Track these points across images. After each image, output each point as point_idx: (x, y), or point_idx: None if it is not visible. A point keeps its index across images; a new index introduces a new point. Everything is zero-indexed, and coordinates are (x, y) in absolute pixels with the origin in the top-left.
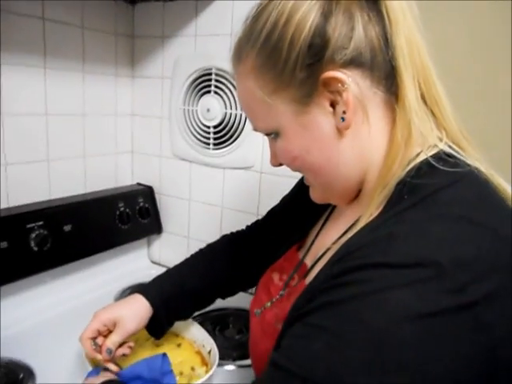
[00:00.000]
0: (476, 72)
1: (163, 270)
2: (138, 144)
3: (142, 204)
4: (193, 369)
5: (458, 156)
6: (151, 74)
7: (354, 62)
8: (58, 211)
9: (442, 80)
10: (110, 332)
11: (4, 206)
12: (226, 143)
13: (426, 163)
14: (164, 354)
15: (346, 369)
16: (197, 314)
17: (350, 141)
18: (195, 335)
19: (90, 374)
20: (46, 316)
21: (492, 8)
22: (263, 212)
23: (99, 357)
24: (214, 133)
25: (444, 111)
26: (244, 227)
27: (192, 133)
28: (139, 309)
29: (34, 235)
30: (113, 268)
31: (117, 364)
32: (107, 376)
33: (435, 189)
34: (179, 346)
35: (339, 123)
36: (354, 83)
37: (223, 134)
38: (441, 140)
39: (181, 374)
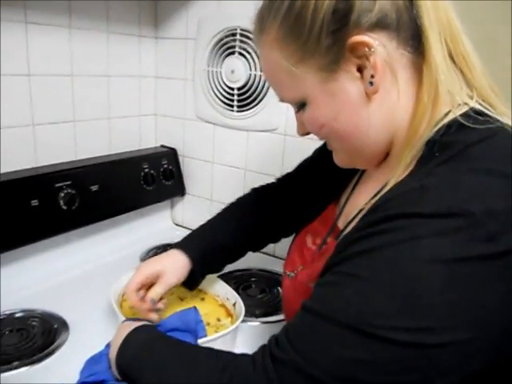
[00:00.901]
0: None
1: (186, 231)
2: (161, 106)
3: (165, 166)
4: (218, 319)
5: (489, 113)
6: (175, 35)
7: (379, 25)
8: (84, 171)
9: None
10: (152, 285)
11: (32, 165)
12: (250, 105)
13: (455, 122)
14: (195, 308)
15: (377, 313)
16: (220, 273)
17: (379, 105)
18: (218, 290)
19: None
20: (74, 273)
21: (491, 7)
22: None
23: (144, 306)
24: (238, 95)
25: (473, 68)
26: None
27: (216, 95)
28: (179, 263)
29: (62, 194)
30: (137, 229)
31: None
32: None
33: (466, 145)
34: (203, 299)
35: (368, 88)
36: (380, 46)
37: (247, 96)
38: (471, 98)
39: (208, 324)
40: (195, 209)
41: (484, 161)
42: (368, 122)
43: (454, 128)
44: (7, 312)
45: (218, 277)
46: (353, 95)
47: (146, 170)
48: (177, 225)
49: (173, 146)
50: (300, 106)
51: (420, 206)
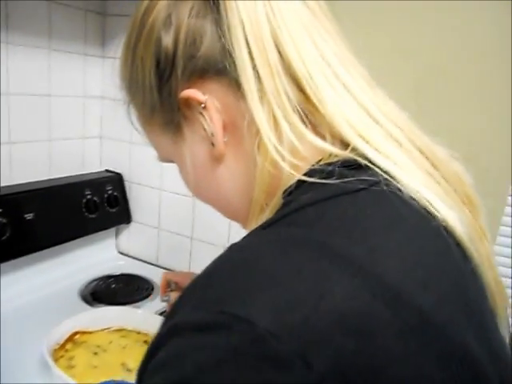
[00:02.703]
0: (471, 71)
1: (132, 261)
2: (107, 129)
3: (110, 192)
4: None
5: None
6: None
7: (209, 72)
8: (18, 198)
9: (440, 80)
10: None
11: None
12: None
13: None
14: None
15: None
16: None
17: (230, 167)
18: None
19: None
20: (6, 310)
21: (487, 7)
22: None
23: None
24: None
25: (325, 106)
26: (217, 217)
27: None
28: None
29: None
30: (78, 259)
31: None
32: None
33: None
34: (146, 342)
35: (212, 149)
36: (213, 98)
37: None
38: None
39: None
40: (142, 237)
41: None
42: (226, 189)
43: (294, 185)
44: None
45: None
46: (203, 158)
47: (89, 197)
48: (122, 254)
49: (118, 171)
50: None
51: (188, 311)
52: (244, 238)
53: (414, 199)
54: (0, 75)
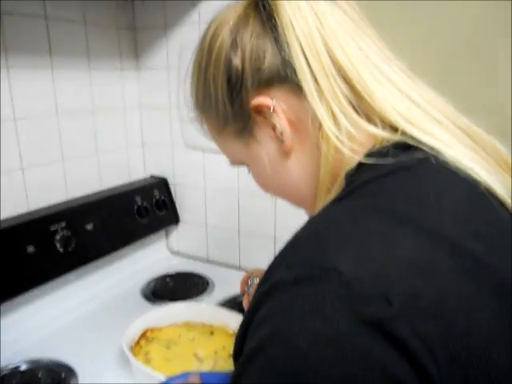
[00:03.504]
0: (473, 67)
1: (183, 260)
2: (148, 136)
3: (157, 196)
4: None
5: (411, 142)
6: (156, 64)
7: (274, 81)
8: (78, 210)
9: (439, 76)
10: None
11: (24, 210)
12: None
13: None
14: None
15: None
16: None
17: (299, 159)
18: (225, 319)
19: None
20: (75, 315)
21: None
22: None
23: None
24: None
25: (374, 99)
26: (262, 209)
27: None
28: None
29: (58, 237)
30: (133, 262)
31: None
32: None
33: (362, 181)
34: (212, 334)
35: (282, 146)
36: (280, 102)
37: None
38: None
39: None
40: (190, 236)
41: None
42: (295, 179)
43: (355, 168)
44: (10, 366)
45: (220, 305)
46: (274, 155)
47: (139, 203)
48: (173, 253)
49: (163, 176)
50: (248, 168)
51: (283, 269)
52: (319, 212)
53: (459, 169)
54: (54, 96)
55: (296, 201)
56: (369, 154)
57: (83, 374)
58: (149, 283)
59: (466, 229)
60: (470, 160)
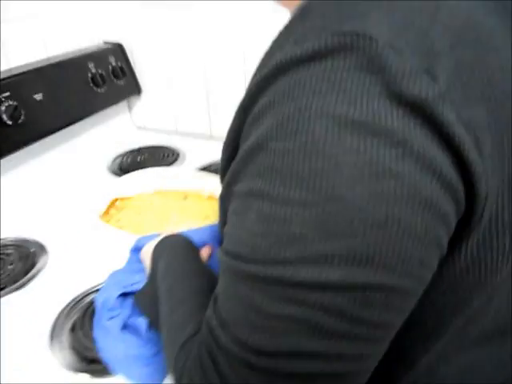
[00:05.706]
0: None
1: (150, 134)
2: None
3: (113, 63)
4: None
5: None
6: None
7: None
8: (23, 79)
9: None
10: None
11: None
12: None
13: None
14: None
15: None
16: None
17: None
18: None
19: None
20: (39, 193)
21: None
22: None
23: None
24: None
25: None
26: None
27: None
28: None
29: (3, 107)
30: (97, 137)
31: None
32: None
33: None
34: (186, 198)
35: None
36: None
37: None
38: None
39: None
40: (155, 107)
41: None
42: None
43: None
44: None
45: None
46: None
47: (93, 71)
48: (139, 128)
49: (117, 41)
50: None
51: (290, 47)
52: None
53: None
54: None
55: None
56: None
57: (53, 248)
58: (115, 159)
59: None
60: None
